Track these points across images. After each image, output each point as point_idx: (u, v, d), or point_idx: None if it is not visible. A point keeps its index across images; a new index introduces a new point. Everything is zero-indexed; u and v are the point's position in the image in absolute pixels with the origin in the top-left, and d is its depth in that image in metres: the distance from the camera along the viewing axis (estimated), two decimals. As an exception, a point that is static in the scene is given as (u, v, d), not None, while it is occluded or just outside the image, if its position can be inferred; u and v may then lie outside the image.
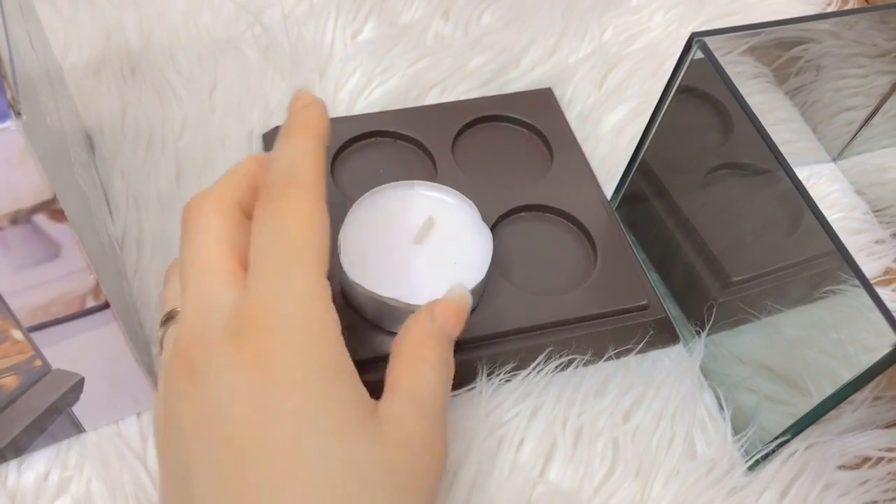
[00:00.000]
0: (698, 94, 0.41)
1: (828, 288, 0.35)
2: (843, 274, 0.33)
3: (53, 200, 0.26)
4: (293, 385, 0.24)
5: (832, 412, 0.37)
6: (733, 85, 0.37)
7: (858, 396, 0.37)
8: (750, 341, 0.40)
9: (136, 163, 0.45)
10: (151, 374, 0.37)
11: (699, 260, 0.42)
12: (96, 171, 0.44)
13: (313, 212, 0.27)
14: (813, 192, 0.49)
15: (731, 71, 0.44)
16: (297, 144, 0.29)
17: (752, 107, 0.48)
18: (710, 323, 0.40)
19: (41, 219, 0.26)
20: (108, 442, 0.35)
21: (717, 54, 0.41)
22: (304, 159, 0.28)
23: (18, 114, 0.23)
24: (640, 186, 0.45)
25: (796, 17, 0.41)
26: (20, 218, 0.26)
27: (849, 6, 0.60)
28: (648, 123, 0.42)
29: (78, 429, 0.35)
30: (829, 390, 0.35)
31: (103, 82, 0.49)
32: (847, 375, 0.34)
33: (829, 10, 0.59)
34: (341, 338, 0.26)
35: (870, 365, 0.33)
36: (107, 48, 0.51)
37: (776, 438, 0.37)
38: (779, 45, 0.44)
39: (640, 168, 0.45)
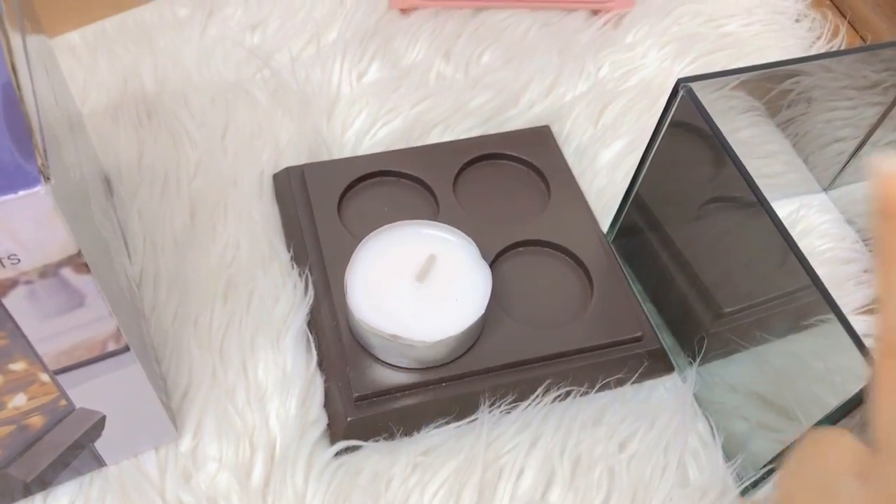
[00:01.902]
0: (690, 129, 0.43)
1: (815, 318, 0.37)
2: (823, 306, 0.34)
3: (78, 255, 0.28)
4: None
5: (821, 439, 0.38)
6: (717, 127, 0.39)
7: (848, 423, 0.39)
8: (742, 370, 0.42)
9: (153, 204, 0.47)
10: (169, 409, 0.39)
11: (692, 291, 0.44)
12: (114, 212, 0.46)
13: None
14: (803, 223, 0.51)
15: (723, 105, 0.46)
16: None
17: (743, 140, 0.50)
18: (703, 353, 0.42)
19: (67, 272, 0.28)
20: (128, 475, 0.37)
21: (708, 90, 0.43)
22: None
23: (48, 178, 0.25)
24: (635, 220, 0.47)
25: (779, 61, 0.43)
26: (48, 272, 0.28)
27: (839, 37, 0.61)
28: (641, 160, 0.44)
29: (100, 463, 0.37)
30: (817, 417, 0.36)
31: (121, 126, 0.51)
32: (834, 402, 0.36)
33: (819, 43, 0.60)
34: None
35: (856, 392, 0.34)
36: (124, 93, 0.53)
37: (767, 465, 0.38)
38: (770, 78, 0.46)
39: (635, 202, 0.46)
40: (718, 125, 0.41)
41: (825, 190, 0.54)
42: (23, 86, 0.27)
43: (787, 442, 0.38)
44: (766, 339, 0.40)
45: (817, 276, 0.34)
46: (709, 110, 0.42)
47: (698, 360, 0.41)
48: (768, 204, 0.36)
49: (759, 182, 0.54)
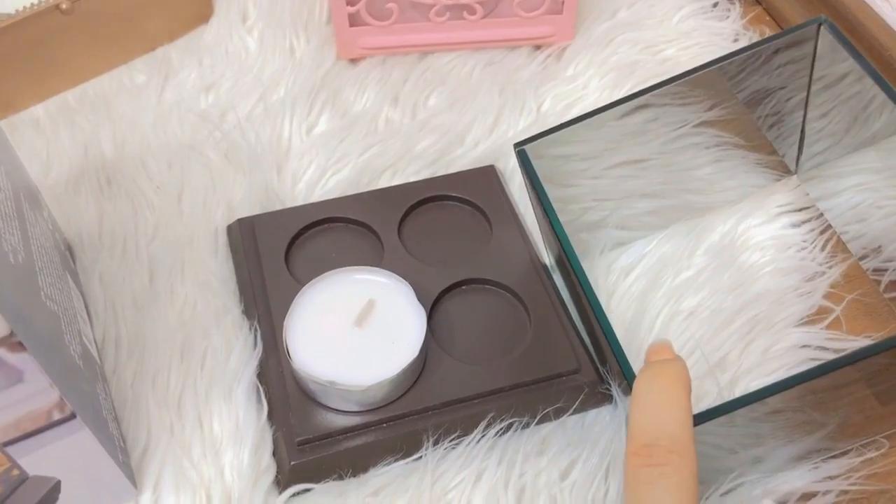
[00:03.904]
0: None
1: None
2: None
3: (11, 335, 0.30)
4: None
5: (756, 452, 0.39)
6: (541, 186, 0.41)
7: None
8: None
9: (113, 268, 0.49)
10: (127, 467, 0.40)
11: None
12: (75, 280, 0.49)
13: (692, 487, 0.28)
14: (743, 237, 0.52)
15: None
16: (680, 402, 0.30)
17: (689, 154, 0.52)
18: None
19: (2, 351, 0.30)
20: (89, 534, 0.39)
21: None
22: (687, 422, 0.29)
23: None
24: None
25: (617, 100, 0.45)
26: (-19, 354, 0.30)
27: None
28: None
29: (61, 525, 0.39)
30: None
31: (82, 194, 0.53)
32: None
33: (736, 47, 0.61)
34: None
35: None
36: (84, 161, 0.56)
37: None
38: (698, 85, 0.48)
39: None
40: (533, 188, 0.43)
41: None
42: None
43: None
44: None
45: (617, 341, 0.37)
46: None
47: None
48: (577, 260, 0.39)
49: (699, 199, 0.54)
